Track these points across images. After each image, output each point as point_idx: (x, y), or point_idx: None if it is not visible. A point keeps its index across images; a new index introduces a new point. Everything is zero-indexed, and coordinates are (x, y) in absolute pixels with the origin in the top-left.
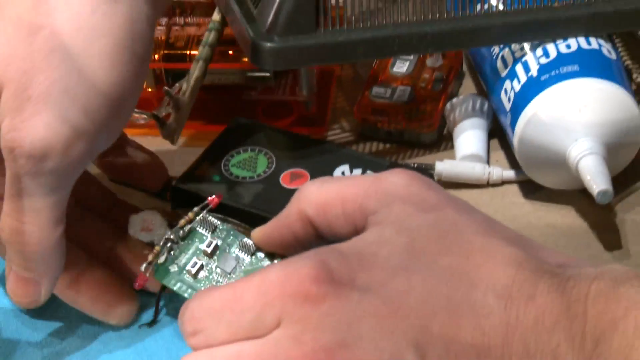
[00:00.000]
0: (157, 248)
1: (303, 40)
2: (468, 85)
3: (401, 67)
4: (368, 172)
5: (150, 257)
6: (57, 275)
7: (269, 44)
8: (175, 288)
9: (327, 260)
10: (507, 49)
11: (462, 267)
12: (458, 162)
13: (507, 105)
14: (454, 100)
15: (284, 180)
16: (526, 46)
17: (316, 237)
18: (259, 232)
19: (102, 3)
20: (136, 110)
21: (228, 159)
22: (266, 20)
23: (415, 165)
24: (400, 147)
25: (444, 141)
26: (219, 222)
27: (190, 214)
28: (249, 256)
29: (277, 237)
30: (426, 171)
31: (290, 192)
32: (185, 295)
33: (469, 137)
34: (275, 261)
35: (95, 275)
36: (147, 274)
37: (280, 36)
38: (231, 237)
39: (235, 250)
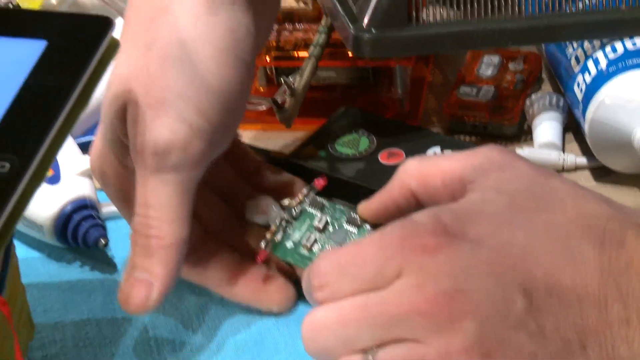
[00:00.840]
0: (273, 227)
1: (397, 32)
2: (546, 90)
3: (486, 70)
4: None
5: (268, 236)
6: (170, 281)
7: (367, 35)
8: (293, 261)
9: (440, 216)
10: (580, 49)
11: (558, 222)
12: (536, 149)
13: (580, 96)
14: (533, 96)
15: (382, 157)
16: (597, 44)
17: (417, 207)
18: (364, 205)
19: (202, 16)
20: (257, 97)
21: (334, 139)
22: (365, 16)
23: None
24: (484, 139)
25: (523, 134)
26: (325, 201)
27: (300, 196)
28: (357, 229)
29: (382, 209)
30: None
31: (387, 168)
32: (303, 266)
33: (546, 127)
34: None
35: (252, 270)
36: (268, 250)
37: (377, 29)
38: (339, 213)
39: (344, 224)
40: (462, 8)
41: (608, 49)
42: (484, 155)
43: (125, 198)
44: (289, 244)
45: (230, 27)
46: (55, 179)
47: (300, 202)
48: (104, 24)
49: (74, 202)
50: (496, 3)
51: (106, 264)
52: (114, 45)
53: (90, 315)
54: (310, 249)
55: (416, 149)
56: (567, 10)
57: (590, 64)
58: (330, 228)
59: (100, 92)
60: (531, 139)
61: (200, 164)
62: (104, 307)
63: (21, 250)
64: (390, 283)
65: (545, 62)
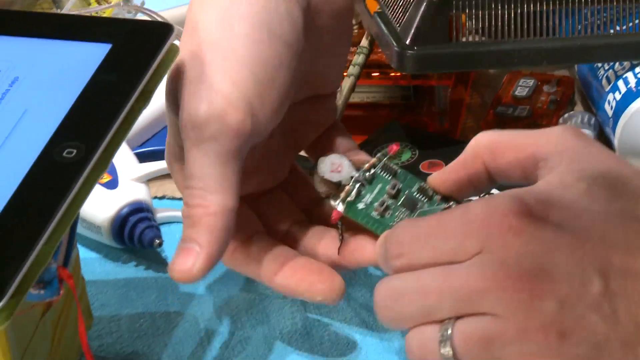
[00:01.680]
0: (347, 187)
1: (437, 49)
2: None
3: (522, 92)
4: None
5: (342, 194)
6: (216, 250)
7: (410, 52)
8: (364, 223)
9: (524, 198)
10: (610, 70)
11: (633, 211)
12: None
13: (610, 113)
14: (566, 115)
15: (423, 167)
16: (627, 66)
17: (488, 180)
18: (436, 175)
19: (236, 1)
20: None
21: (378, 150)
22: (408, 35)
23: None
24: None
25: None
26: (398, 168)
27: (374, 159)
28: (427, 199)
29: (453, 179)
30: None
31: (427, 175)
32: (373, 229)
33: None
34: (452, 203)
35: (298, 261)
36: (341, 210)
37: (420, 46)
38: (410, 181)
39: (415, 193)
40: (500, 35)
41: (638, 69)
42: (558, 135)
43: None
44: (361, 205)
45: (266, 6)
46: (113, 184)
47: (374, 166)
48: (165, 30)
49: (130, 205)
50: (532, 27)
51: (160, 263)
52: (174, 51)
53: (144, 310)
54: (382, 214)
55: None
56: (599, 33)
57: (621, 83)
58: (402, 195)
59: (155, 107)
60: None
61: (239, 136)
62: (158, 303)
63: (80, 251)
64: (469, 258)
65: (578, 85)
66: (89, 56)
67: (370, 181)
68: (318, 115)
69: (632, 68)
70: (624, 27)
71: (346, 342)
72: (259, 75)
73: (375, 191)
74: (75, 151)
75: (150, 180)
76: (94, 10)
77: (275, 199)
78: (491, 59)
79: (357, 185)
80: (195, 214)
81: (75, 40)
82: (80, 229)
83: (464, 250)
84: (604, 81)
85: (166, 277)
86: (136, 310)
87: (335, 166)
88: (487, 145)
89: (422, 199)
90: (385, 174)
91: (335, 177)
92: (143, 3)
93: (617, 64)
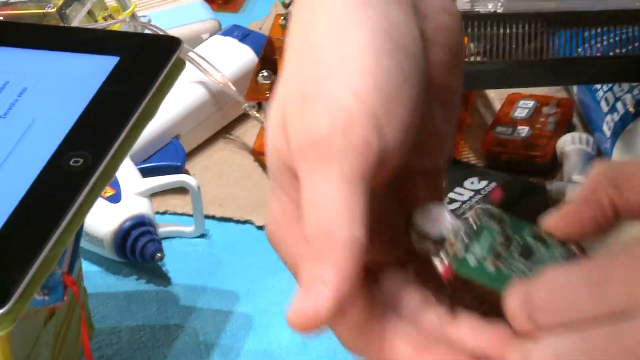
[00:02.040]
0: (451, 239)
1: None
2: None
3: (521, 113)
4: (493, 183)
5: (448, 248)
6: (345, 288)
7: None
8: (479, 279)
9: None
10: (610, 92)
11: None
12: (565, 183)
13: (608, 133)
14: (565, 136)
15: None
16: (625, 87)
17: (614, 218)
18: (554, 216)
19: (351, 9)
20: None
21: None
22: None
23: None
24: (518, 175)
25: (554, 171)
26: (504, 214)
27: (477, 207)
28: (544, 245)
29: (575, 220)
30: (540, 188)
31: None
32: (491, 285)
33: (576, 164)
34: (573, 248)
35: (439, 348)
36: (454, 266)
37: None
38: (520, 227)
39: (528, 240)
40: (501, 55)
41: (635, 91)
42: None
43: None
44: (472, 259)
45: (385, 15)
46: (116, 198)
47: (478, 214)
48: (172, 44)
49: (132, 219)
50: (533, 48)
51: (161, 277)
52: (181, 64)
53: (144, 322)
54: (496, 267)
55: (455, 178)
56: (599, 54)
57: (619, 105)
58: (514, 243)
59: (159, 123)
60: (562, 175)
61: (367, 153)
62: (158, 316)
63: (83, 264)
64: None
65: (577, 107)
66: (97, 68)
67: (477, 231)
68: (425, 194)
69: (630, 90)
70: (624, 50)
71: (343, 356)
72: (383, 87)
73: (484, 242)
74: (81, 160)
75: (152, 195)
76: (100, 26)
77: (395, 273)
78: (491, 79)
79: (464, 238)
80: (318, 248)
81: (83, 52)
82: (82, 242)
83: (635, 301)
84: (602, 103)
85: (166, 290)
86: (136, 322)
87: (434, 217)
88: (610, 177)
89: (538, 245)
90: (491, 222)
91: (435, 230)
92: (150, 20)
93: (615, 85)
